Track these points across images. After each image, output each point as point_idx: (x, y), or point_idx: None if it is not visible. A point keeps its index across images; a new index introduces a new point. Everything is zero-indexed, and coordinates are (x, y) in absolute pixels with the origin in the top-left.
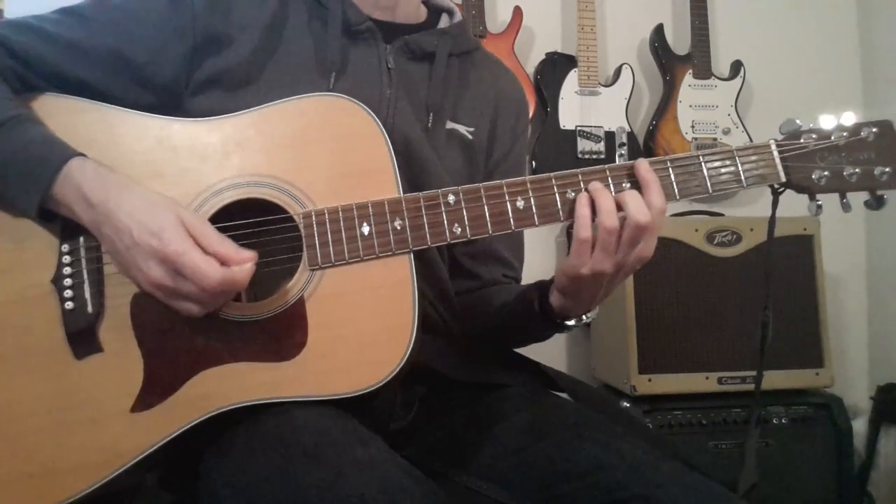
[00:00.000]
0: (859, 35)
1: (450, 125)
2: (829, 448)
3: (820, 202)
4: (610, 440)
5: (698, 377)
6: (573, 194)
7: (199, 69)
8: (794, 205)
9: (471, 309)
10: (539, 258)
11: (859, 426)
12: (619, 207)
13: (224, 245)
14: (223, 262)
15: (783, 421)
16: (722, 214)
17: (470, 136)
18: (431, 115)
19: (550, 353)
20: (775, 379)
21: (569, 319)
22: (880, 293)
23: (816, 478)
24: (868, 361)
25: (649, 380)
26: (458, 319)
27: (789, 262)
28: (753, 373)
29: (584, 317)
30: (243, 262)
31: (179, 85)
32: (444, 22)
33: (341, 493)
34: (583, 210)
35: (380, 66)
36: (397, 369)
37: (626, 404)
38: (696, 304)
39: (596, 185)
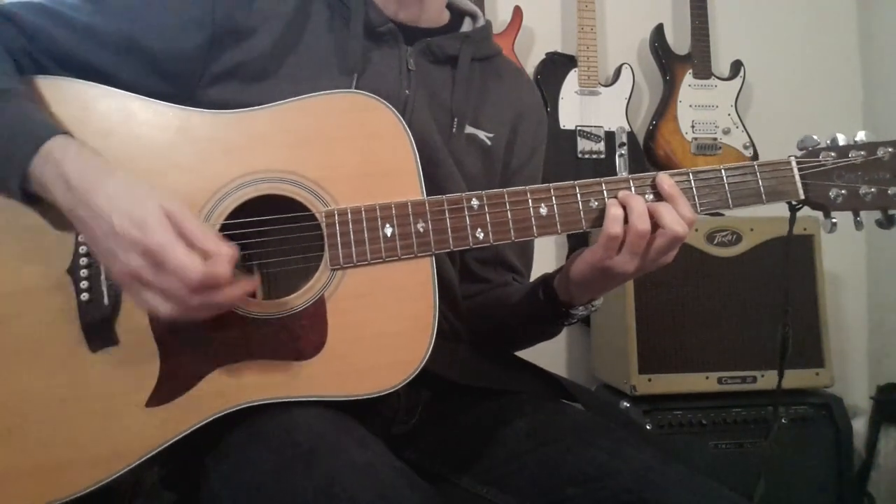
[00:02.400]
0: (859, 34)
1: (470, 130)
2: (829, 448)
3: (835, 220)
4: (616, 446)
5: (698, 377)
6: (596, 203)
7: (218, 60)
8: None
9: (480, 308)
10: (539, 258)
11: (859, 426)
12: (651, 216)
13: (208, 239)
14: (205, 257)
15: (783, 421)
16: (722, 214)
17: (489, 143)
18: (456, 119)
19: (550, 352)
20: (775, 379)
21: (573, 308)
22: (880, 293)
23: (816, 477)
24: (868, 361)
25: (649, 380)
26: (464, 323)
27: (789, 261)
28: (754, 372)
29: (590, 305)
30: (223, 257)
31: (194, 75)
32: (466, 26)
33: (336, 497)
34: (615, 209)
35: (400, 67)
36: (415, 372)
37: (626, 404)
38: (696, 304)
39: (627, 192)
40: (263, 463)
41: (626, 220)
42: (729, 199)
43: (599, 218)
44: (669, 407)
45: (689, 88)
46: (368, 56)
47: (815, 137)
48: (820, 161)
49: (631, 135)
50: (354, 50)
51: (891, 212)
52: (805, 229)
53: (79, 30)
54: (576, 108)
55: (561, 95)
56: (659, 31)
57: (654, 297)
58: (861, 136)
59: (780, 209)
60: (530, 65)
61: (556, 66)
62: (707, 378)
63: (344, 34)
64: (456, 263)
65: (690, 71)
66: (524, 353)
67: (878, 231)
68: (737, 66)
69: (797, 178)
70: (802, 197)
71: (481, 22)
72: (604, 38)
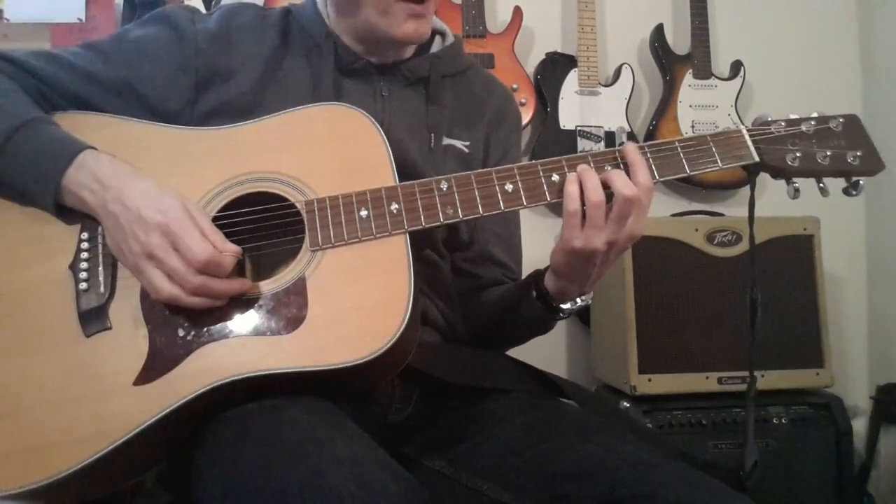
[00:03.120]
0: (859, 35)
1: (447, 141)
2: (829, 448)
3: (797, 185)
4: (613, 442)
5: (698, 377)
6: (557, 178)
7: (202, 100)
8: (793, 205)
9: (474, 306)
10: (539, 257)
11: (859, 426)
12: (607, 186)
13: (216, 234)
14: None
15: (783, 421)
16: (722, 214)
17: (467, 150)
18: (433, 134)
19: (551, 352)
20: (775, 379)
21: (564, 303)
22: (880, 293)
23: (816, 477)
24: (868, 361)
25: (649, 380)
26: (459, 317)
27: (789, 262)
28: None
29: (578, 300)
30: (228, 252)
31: (185, 115)
32: (436, 45)
33: (320, 490)
34: (570, 187)
35: (374, 95)
36: (393, 340)
37: (626, 404)
38: (696, 304)
39: (583, 166)
40: (251, 460)
41: (583, 198)
42: (685, 165)
43: (562, 189)
44: (669, 407)
45: (689, 88)
46: (341, 88)
47: (768, 117)
48: (771, 130)
49: (631, 135)
50: (327, 86)
51: (853, 178)
52: (805, 229)
53: (82, 75)
54: (576, 108)
55: (561, 95)
56: (659, 31)
57: (654, 296)
58: (815, 113)
59: (780, 209)
60: (530, 65)
61: (556, 66)
62: (707, 378)
63: (319, 71)
64: (446, 260)
65: (690, 71)
66: (524, 351)
67: (877, 231)
68: (737, 66)
69: (749, 143)
70: (757, 159)
71: (450, 40)
72: (604, 38)
